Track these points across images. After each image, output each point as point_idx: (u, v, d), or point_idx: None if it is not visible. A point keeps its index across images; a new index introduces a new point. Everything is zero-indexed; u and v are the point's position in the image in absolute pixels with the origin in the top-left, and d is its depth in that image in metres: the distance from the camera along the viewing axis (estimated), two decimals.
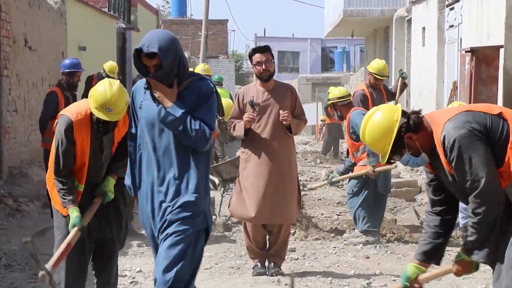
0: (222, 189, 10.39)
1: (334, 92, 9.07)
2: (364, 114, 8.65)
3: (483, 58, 10.65)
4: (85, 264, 5.53)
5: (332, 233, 9.25)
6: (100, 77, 12.51)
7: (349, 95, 9.09)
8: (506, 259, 4.10)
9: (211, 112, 4.56)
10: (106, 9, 18.77)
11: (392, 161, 4.32)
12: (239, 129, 7.18)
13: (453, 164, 4.06)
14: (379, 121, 4.23)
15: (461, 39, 14.04)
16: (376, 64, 10.31)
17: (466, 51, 11.03)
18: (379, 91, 10.30)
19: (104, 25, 17.64)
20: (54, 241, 5.52)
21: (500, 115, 4.12)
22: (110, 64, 13.31)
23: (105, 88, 5.25)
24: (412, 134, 4.19)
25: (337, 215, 10.63)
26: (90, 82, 12.83)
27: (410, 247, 8.53)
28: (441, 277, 4.32)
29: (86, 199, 5.43)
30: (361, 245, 8.63)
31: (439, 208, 4.42)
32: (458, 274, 4.37)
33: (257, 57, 7.13)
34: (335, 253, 8.35)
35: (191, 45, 37.80)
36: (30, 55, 11.97)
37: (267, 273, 7.21)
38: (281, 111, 7.09)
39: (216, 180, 10.27)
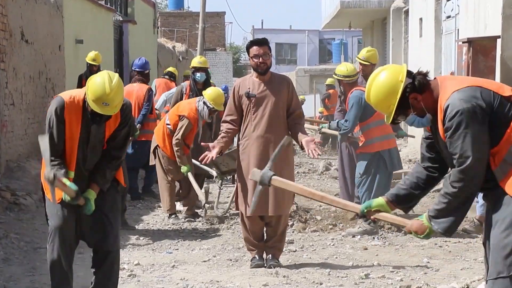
0: (220, 181, 10.39)
1: (341, 69, 9.35)
2: (362, 97, 8.84)
3: (480, 49, 10.62)
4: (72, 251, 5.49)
5: (330, 225, 9.26)
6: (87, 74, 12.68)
7: (356, 74, 9.26)
8: (491, 243, 4.13)
9: None
10: (103, 2, 18.72)
11: (397, 121, 4.35)
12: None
13: (448, 133, 4.10)
14: (384, 81, 4.25)
15: (458, 29, 14.02)
16: (361, 51, 10.41)
17: (463, 42, 11.01)
18: None
19: (101, 18, 17.59)
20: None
21: (509, 98, 4.13)
22: (94, 54, 13.27)
23: (105, 81, 5.14)
24: (417, 95, 4.22)
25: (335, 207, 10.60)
26: (81, 82, 12.92)
27: (408, 238, 8.54)
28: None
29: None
30: (359, 236, 8.64)
31: (428, 165, 4.48)
32: (408, 229, 4.41)
33: (254, 49, 7.11)
34: (333, 244, 8.36)
35: (189, 38, 37.73)
36: (27, 48, 11.94)
37: (265, 265, 7.22)
38: (310, 147, 6.94)
39: (214, 173, 10.27)
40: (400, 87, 4.20)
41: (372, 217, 4.54)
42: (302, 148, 7.06)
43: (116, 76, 5.26)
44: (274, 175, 4.75)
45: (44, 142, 5.15)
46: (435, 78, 4.30)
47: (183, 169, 9.49)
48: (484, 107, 4.05)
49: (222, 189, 10.51)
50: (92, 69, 12.75)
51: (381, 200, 4.54)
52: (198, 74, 11.12)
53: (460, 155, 4.07)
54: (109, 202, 5.54)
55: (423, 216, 4.34)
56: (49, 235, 5.45)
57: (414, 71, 4.31)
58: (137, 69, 11.77)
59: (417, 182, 4.49)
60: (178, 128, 9.54)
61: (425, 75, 4.28)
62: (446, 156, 4.31)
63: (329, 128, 9.55)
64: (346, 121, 8.99)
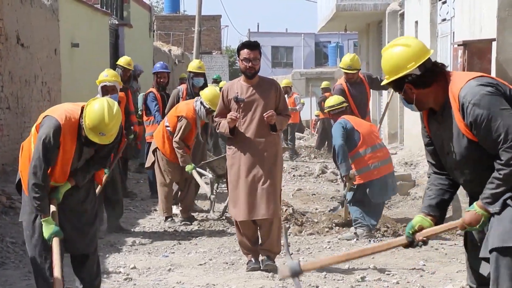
0: (216, 184, 10.38)
1: (329, 101, 9.40)
2: (344, 126, 8.81)
3: (475, 52, 10.64)
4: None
5: (326, 228, 9.25)
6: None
7: (342, 102, 9.22)
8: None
9: None
10: (98, 6, 18.73)
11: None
12: (224, 128, 7.17)
13: (481, 121, 4.01)
14: (396, 55, 4.24)
15: (453, 32, 14.04)
16: (343, 59, 10.60)
17: (458, 45, 11.02)
18: (359, 84, 10.56)
19: (97, 22, 17.59)
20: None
21: None
22: (125, 59, 12.22)
23: (104, 111, 5.03)
24: (412, 87, 4.19)
25: (331, 209, 10.63)
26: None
27: None
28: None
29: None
30: (355, 239, 8.65)
31: (439, 170, 4.41)
32: (463, 226, 4.22)
33: (245, 53, 7.11)
34: (330, 247, 8.36)
35: (185, 41, 37.76)
36: (22, 52, 11.94)
37: (261, 267, 7.21)
38: (264, 114, 7.03)
39: (210, 176, 10.26)
40: (402, 73, 4.18)
41: (420, 238, 4.30)
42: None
43: (115, 105, 5.16)
44: (299, 261, 4.62)
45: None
46: (442, 72, 4.23)
47: (188, 167, 9.47)
48: (503, 90, 4.08)
49: (218, 192, 10.51)
50: (126, 75, 11.84)
51: (417, 217, 4.37)
52: (197, 80, 11.12)
53: (506, 132, 3.96)
54: (88, 210, 5.56)
55: (474, 206, 4.19)
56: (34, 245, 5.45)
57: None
58: (153, 72, 12.33)
59: (442, 188, 4.39)
60: (177, 129, 9.55)
61: (436, 72, 4.21)
62: (451, 161, 4.23)
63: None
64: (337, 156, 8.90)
